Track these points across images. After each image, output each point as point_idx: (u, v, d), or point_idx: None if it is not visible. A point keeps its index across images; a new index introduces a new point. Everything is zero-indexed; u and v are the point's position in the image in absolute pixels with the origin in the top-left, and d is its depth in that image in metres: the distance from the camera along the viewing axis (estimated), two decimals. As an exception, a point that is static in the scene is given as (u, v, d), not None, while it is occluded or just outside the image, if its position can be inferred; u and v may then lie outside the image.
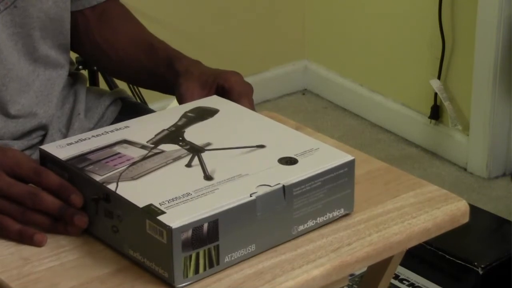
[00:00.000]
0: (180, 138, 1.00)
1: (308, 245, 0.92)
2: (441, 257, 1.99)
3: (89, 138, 1.00)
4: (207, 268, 0.86)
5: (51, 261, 0.90)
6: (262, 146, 0.98)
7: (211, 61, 1.34)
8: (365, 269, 1.05)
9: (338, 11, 2.99)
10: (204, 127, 1.04)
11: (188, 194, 0.88)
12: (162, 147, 0.98)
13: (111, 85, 1.88)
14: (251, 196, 0.88)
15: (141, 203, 0.86)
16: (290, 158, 0.95)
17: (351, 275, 1.88)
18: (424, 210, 0.99)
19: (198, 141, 0.99)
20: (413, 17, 2.73)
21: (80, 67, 1.75)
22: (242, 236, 0.88)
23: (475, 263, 1.93)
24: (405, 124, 2.82)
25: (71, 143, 0.99)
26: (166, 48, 1.27)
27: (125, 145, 0.99)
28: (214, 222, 0.85)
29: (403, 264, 1.99)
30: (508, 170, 2.61)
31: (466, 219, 1.01)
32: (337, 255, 0.91)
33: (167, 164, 0.94)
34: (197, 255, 0.85)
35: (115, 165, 0.94)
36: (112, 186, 0.90)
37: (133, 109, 1.36)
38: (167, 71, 1.22)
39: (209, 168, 0.93)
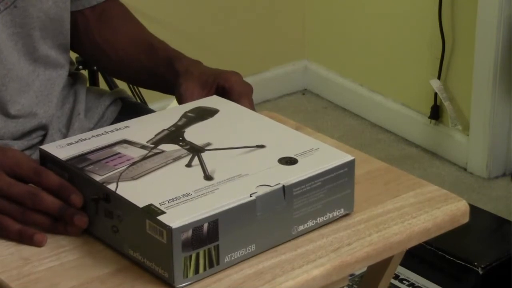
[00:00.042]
0: (180, 138, 1.00)
1: (308, 245, 0.92)
2: (441, 257, 1.99)
3: (89, 138, 1.00)
4: (207, 268, 0.86)
5: (51, 261, 0.90)
6: (262, 146, 0.98)
7: (211, 61, 1.34)
8: (365, 269, 1.05)
9: (338, 11, 2.99)
10: (204, 127, 1.04)
11: (188, 194, 0.88)
12: (162, 147, 0.98)
13: (111, 85, 1.88)
14: (251, 196, 0.88)
15: (141, 203, 0.86)
16: (290, 158, 0.95)
17: (351, 275, 1.88)
18: (424, 210, 0.99)
19: (198, 141, 0.99)
20: (413, 17, 2.73)
21: (80, 67, 1.75)
22: (242, 236, 0.88)
23: (475, 263, 1.93)
24: (405, 124, 2.82)
25: (71, 143, 0.99)
26: (166, 48, 1.27)
27: (125, 145, 0.99)
28: (214, 222, 0.85)
29: (403, 264, 1.99)
30: (508, 170, 2.61)
31: (466, 219, 1.01)
32: (337, 255, 0.91)
33: (167, 164, 0.94)
34: (197, 255, 0.85)
35: (115, 165, 0.94)
36: (112, 186, 0.90)
37: (133, 109, 1.36)
38: (167, 71, 1.22)
39: (209, 168, 0.93)
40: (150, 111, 1.35)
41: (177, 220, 0.84)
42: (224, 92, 1.14)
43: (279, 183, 0.90)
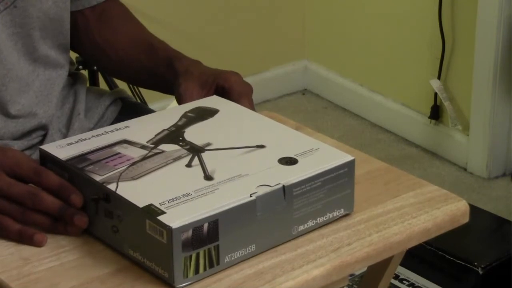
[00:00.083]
0: (180, 138, 1.00)
1: (308, 245, 0.92)
2: (441, 257, 1.99)
3: (89, 138, 1.00)
4: (207, 268, 0.86)
5: (51, 261, 0.90)
6: (262, 146, 0.98)
7: (211, 61, 1.34)
8: (365, 269, 1.05)
9: (338, 11, 2.99)
10: (204, 127, 1.04)
11: (188, 194, 0.88)
12: (162, 147, 0.98)
13: (111, 85, 1.88)
14: (251, 196, 0.88)
15: (141, 203, 0.86)
16: (290, 158, 0.95)
17: (351, 275, 1.88)
18: (424, 210, 0.99)
19: (198, 141, 0.99)
20: (413, 17, 2.73)
21: (80, 67, 1.75)
22: (242, 236, 0.88)
23: (475, 263, 1.93)
24: (405, 124, 2.82)
25: (71, 143, 0.99)
26: (166, 48, 1.27)
27: (125, 145, 0.99)
28: (214, 222, 0.85)
29: (403, 264, 1.99)
30: (508, 170, 2.61)
31: (466, 219, 1.01)
32: (337, 255, 0.91)
33: (167, 164, 0.94)
34: (197, 255, 0.85)
35: (115, 165, 0.94)
36: (112, 186, 0.90)
37: (133, 109, 1.36)
38: (167, 71, 1.22)
39: (209, 168, 0.93)
40: (150, 111, 1.35)
41: (177, 220, 0.84)
42: (224, 92, 1.14)
43: (279, 183, 0.90)
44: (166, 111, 1.12)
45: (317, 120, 2.95)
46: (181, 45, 1.34)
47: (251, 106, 1.12)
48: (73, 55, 1.35)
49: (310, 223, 0.94)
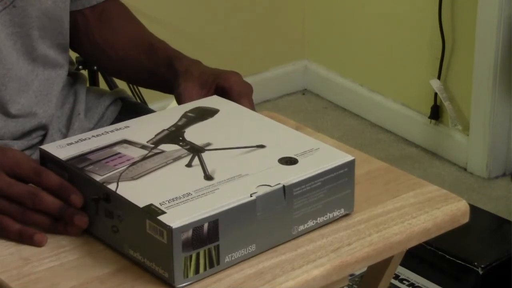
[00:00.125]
0: (180, 138, 1.00)
1: (308, 245, 0.92)
2: (441, 257, 1.99)
3: (89, 138, 1.00)
4: (207, 268, 0.86)
5: (51, 261, 0.90)
6: (262, 146, 0.98)
7: (211, 61, 1.34)
8: (365, 269, 1.05)
9: (338, 11, 2.99)
10: (204, 127, 1.04)
11: (188, 194, 0.88)
12: (162, 147, 0.98)
13: (111, 85, 1.88)
14: (251, 196, 0.88)
15: (141, 203, 0.86)
16: (290, 158, 0.95)
17: (351, 275, 1.88)
18: (424, 210, 0.99)
19: (198, 141, 0.99)
20: (413, 17, 2.73)
21: (80, 67, 1.75)
22: (242, 236, 0.88)
23: (475, 263, 1.93)
24: (405, 124, 2.82)
25: (71, 143, 0.99)
26: (166, 48, 1.27)
27: (125, 145, 0.99)
28: (214, 222, 0.85)
29: (403, 264, 1.99)
30: (508, 170, 2.61)
31: (466, 219, 1.01)
32: (337, 255, 0.91)
33: (167, 164, 0.94)
34: (197, 255, 0.85)
35: (115, 165, 0.94)
36: (112, 186, 0.90)
37: (133, 109, 1.36)
38: (167, 71, 1.22)
39: (209, 168, 0.93)
40: (150, 111, 1.35)
41: (177, 220, 0.84)
42: (223, 92, 1.14)
43: (279, 183, 0.90)
44: (166, 111, 1.12)
45: (317, 120, 2.95)
46: (181, 45, 1.34)
47: (251, 106, 1.12)
48: (73, 55, 1.35)
49: (310, 223, 0.94)
